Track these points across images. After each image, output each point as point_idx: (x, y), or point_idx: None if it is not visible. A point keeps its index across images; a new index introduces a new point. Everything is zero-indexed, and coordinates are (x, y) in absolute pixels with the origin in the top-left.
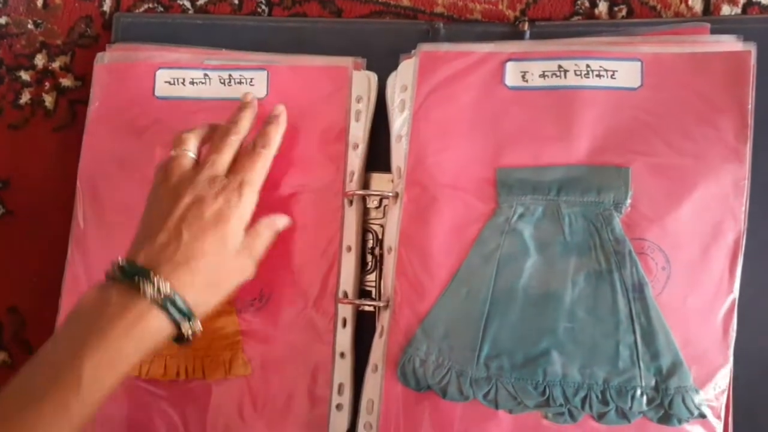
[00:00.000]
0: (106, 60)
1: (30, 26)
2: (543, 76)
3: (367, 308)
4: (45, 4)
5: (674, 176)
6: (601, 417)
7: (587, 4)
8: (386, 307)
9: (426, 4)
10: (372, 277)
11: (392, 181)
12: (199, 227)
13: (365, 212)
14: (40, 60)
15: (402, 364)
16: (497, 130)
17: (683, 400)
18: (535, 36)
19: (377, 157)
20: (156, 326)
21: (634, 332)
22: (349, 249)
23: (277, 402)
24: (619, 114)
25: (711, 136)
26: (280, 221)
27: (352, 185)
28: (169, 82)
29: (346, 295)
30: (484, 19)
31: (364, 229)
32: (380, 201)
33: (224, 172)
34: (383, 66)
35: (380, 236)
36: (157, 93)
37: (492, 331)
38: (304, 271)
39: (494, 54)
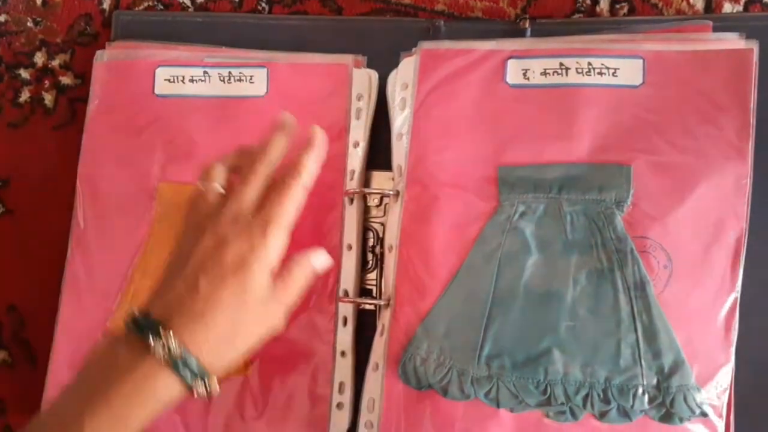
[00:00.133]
0: (105, 58)
1: (29, 24)
2: (544, 73)
3: (367, 307)
4: (44, 2)
5: (676, 174)
6: (602, 416)
7: (588, 1)
8: (387, 305)
9: (427, 1)
10: (373, 275)
11: (393, 179)
12: (217, 275)
13: (366, 210)
14: (39, 58)
15: (403, 363)
16: (498, 128)
17: (685, 399)
18: (536, 34)
19: (378, 155)
20: (166, 387)
21: (635, 331)
22: (349, 247)
23: (278, 401)
24: (620, 112)
25: (713, 134)
26: (317, 260)
27: (353, 183)
28: (169, 80)
29: (346, 293)
30: (485, 16)
31: (365, 227)
32: (381, 199)
33: (251, 208)
34: (384, 64)
35: (381, 235)
36: (157, 91)
37: (493, 330)
38: None
39: (495, 52)
